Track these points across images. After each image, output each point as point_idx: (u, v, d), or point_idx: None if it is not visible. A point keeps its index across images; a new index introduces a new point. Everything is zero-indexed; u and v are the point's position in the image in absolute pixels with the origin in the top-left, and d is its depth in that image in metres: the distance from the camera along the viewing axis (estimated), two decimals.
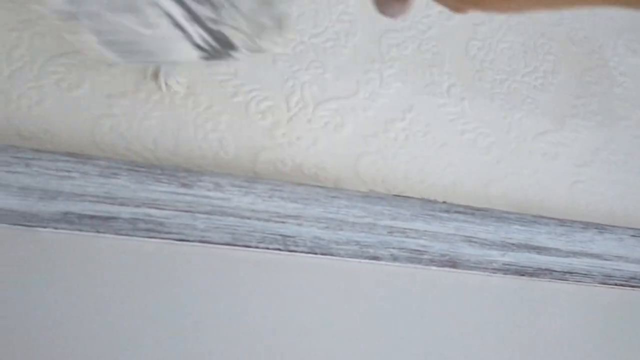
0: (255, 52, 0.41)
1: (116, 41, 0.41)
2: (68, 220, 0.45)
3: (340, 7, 0.60)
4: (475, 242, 0.56)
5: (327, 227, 0.52)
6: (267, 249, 0.50)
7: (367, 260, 0.53)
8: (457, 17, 0.65)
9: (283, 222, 0.51)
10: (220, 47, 0.41)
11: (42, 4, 0.37)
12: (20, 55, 0.48)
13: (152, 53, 0.42)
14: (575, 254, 0.59)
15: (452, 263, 0.55)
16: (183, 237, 0.48)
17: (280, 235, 0.51)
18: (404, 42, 0.62)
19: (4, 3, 0.49)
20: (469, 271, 0.56)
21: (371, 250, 0.53)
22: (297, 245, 0.51)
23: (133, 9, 0.39)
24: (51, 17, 0.38)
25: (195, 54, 0.42)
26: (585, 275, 0.60)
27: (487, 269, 0.56)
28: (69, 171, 0.45)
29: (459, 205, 0.56)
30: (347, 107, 0.57)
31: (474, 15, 0.66)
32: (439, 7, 0.59)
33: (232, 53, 0.42)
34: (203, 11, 0.39)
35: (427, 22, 0.63)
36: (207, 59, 0.43)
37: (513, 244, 0.57)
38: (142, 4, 0.38)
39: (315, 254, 0.52)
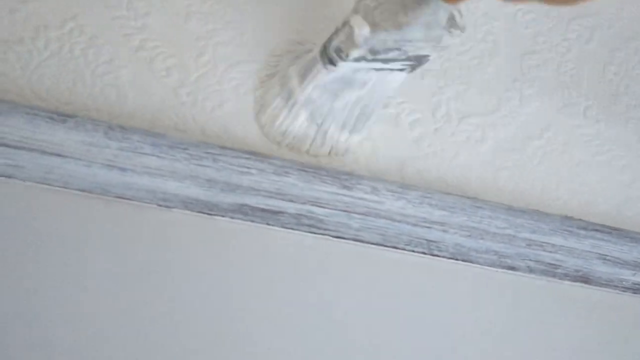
0: (445, 49, 0.50)
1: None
2: (243, 211, 0.51)
3: (485, 28, 0.63)
4: (609, 260, 0.58)
5: (469, 236, 0.55)
6: (413, 251, 0.54)
7: (503, 270, 0.56)
8: (595, 42, 0.67)
9: (429, 228, 0.54)
10: (416, 62, 0.49)
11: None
12: (205, 62, 0.54)
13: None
14: None
15: (585, 279, 0.57)
16: (339, 234, 0.53)
17: (426, 239, 0.54)
18: (544, 63, 0.64)
19: (194, 14, 0.55)
20: (600, 288, 0.58)
21: (509, 261, 0.56)
22: (440, 250, 0.55)
23: (348, 83, 0.50)
24: None
25: (402, 74, 0.51)
26: None
27: (617, 287, 0.58)
28: (248, 167, 0.50)
29: (595, 224, 0.58)
30: (488, 122, 0.61)
31: (611, 41, 0.68)
32: (577, 32, 0.62)
33: (428, 58, 0.49)
34: (393, 55, 0.47)
35: (566, 45, 0.66)
36: (412, 70, 0.50)
37: None
38: (359, 76, 0.50)
39: (456, 259, 0.55)
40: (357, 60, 0.48)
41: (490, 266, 0.55)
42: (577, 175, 0.62)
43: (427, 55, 0.49)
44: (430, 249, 0.54)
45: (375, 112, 0.55)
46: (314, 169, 0.52)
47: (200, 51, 0.55)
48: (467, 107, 0.61)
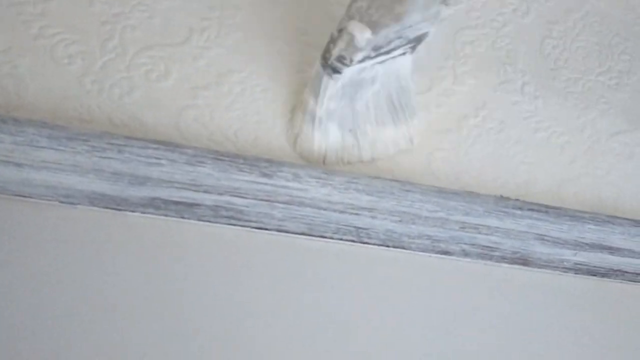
0: (440, 22, 0.49)
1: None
2: (155, 205, 0.47)
3: None
4: (548, 240, 0.56)
5: (400, 221, 0.52)
6: (341, 240, 0.52)
7: (438, 255, 0.54)
8: (532, 15, 0.64)
9: (357, 214, 0.52)
10: (417, 42, 0.49)
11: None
12: (112, 47, 0.51)
13: None
14: None
15: (524, 261, 0.55)
16: (261, 225, 0.50)
17: (354, 227, 0.52)
18: (478, 39, 0.62)
19: None
20: (540, 269, 0.56)
21: (442, 245, 0.53)
22: (370, 238, 0.52)
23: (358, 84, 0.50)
24: None
25: (407, 57, 0.51)
26: None
27: (558, 267, 0.56)
28: (158, 158, 0.47)
29: (532, 203, 0.56)
30: (420, 102, 0.58)
31: (549, 14, 0.65)
32: (514, 5, 0.59)
33: (427, 35, 0.48)
34: (394, 44, 0.47)
35: (501, 20, 0.63)
36: (411, 52, 0.50)
37: (586, 244, 0.57)
38: (365, 75, 0.49)
39: (388, 246, 0.52)
40: (362, 61, 0.46)
41: (424, 251, 0.53)
42: (515, 154, 0.60)
43: (427, 32, 0.48)
44: (360, 236, 0.52)
45: (411, 99, 0.55)
46: (229, 158, 0.49)
47: (107, 36, 0.51)
48: None
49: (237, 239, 0.50)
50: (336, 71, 0.47)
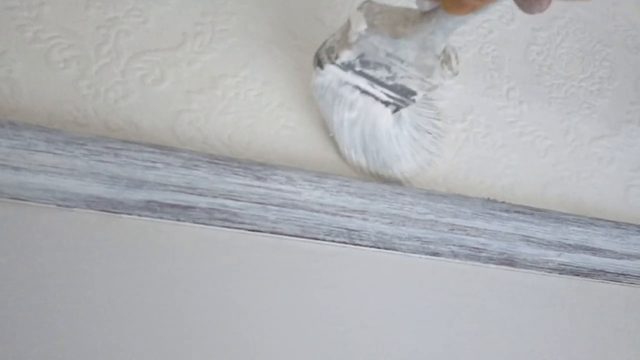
0: (431, 89, 0.48)
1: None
2: (151, 208, 0.48)
3: None
4: (533, 241, 0.57)
5: (391, 223, 0.54)
6: (334, 241, 0.53)
7: (427, 256, 0.55)
8: (517, 22, 0.66)
9: (349, 217, 0.53)
10: (402, 97, 0.50)
11: None
12: (107, 52, 0.51)
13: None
14: (629, 256, 0.60)
15: (510, 261, 0.57)
16: (255, 227, 0.51)
17: (346, 229, 0.53)
18: (466, 45, 0.63)
19: (94, 2, 0.52)
20: (526, 270, 0.58)
21: (432, 247, 0.55)
22: (361, 239, 0.53)
23: (336, 96, 0.51)
24: None
25: (387, 110, 0.52)
26: (638, 277, 0.61)
27: (543, 268, 0.58)
28: (154, 162, 0.48)
29: (518, 206, 0.57)
30: None
31: (534, 20, 0.67)
32: (500, 12, 0.61)
33: (413, 97, 0.50)
34: (380, 74, 0.47)
35: (487, 27, 0.65)
36: (395, 110, 0.52)
37: (569, 245, 0.58)
38: (345, 92, 0.50)
39: (379, 248, 0.54)
40: (345, 66, 0.47)
41: (414, 253, 0.54)
42: (501, 157, 0.61)
43: (414, 93, 0.49)
44: (352, 238, 0.53)
45: (384, 151, 0.55)
46: (224, 161, 0.49)
47: (102, 40, 0.52)
48: None
49: (231, 241, 0.51)
50: (319, 64, 0.48)
